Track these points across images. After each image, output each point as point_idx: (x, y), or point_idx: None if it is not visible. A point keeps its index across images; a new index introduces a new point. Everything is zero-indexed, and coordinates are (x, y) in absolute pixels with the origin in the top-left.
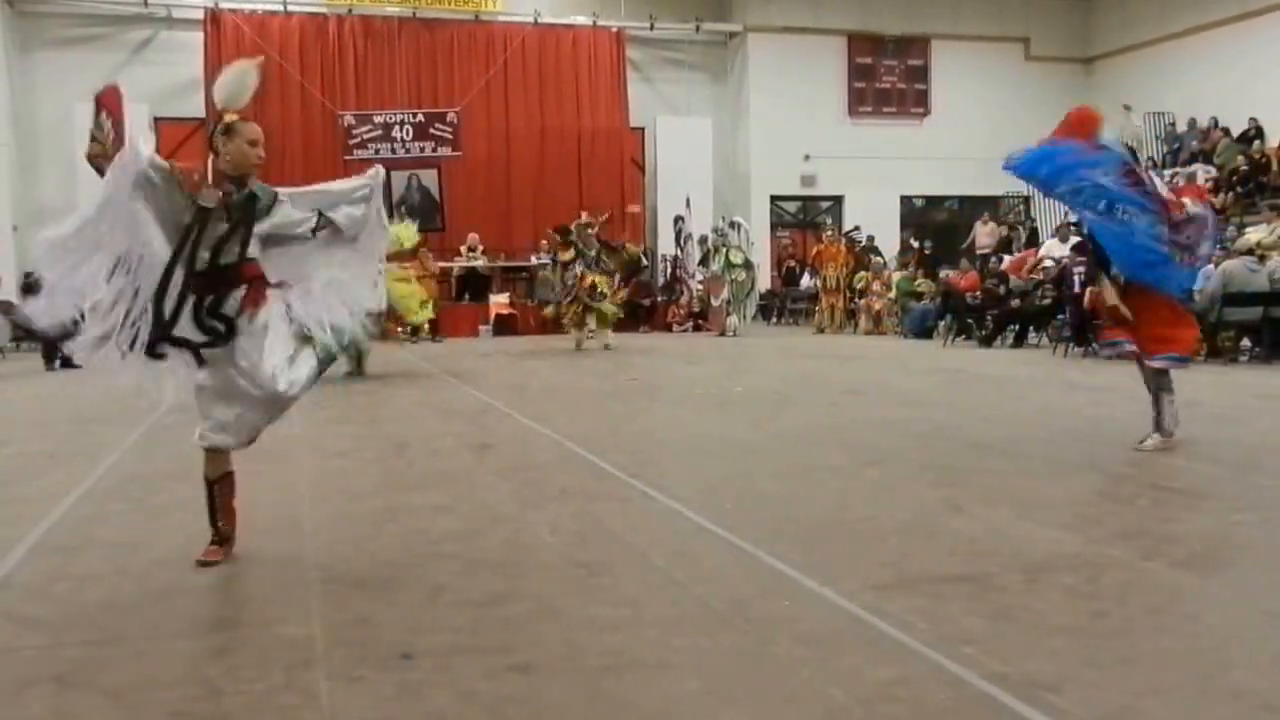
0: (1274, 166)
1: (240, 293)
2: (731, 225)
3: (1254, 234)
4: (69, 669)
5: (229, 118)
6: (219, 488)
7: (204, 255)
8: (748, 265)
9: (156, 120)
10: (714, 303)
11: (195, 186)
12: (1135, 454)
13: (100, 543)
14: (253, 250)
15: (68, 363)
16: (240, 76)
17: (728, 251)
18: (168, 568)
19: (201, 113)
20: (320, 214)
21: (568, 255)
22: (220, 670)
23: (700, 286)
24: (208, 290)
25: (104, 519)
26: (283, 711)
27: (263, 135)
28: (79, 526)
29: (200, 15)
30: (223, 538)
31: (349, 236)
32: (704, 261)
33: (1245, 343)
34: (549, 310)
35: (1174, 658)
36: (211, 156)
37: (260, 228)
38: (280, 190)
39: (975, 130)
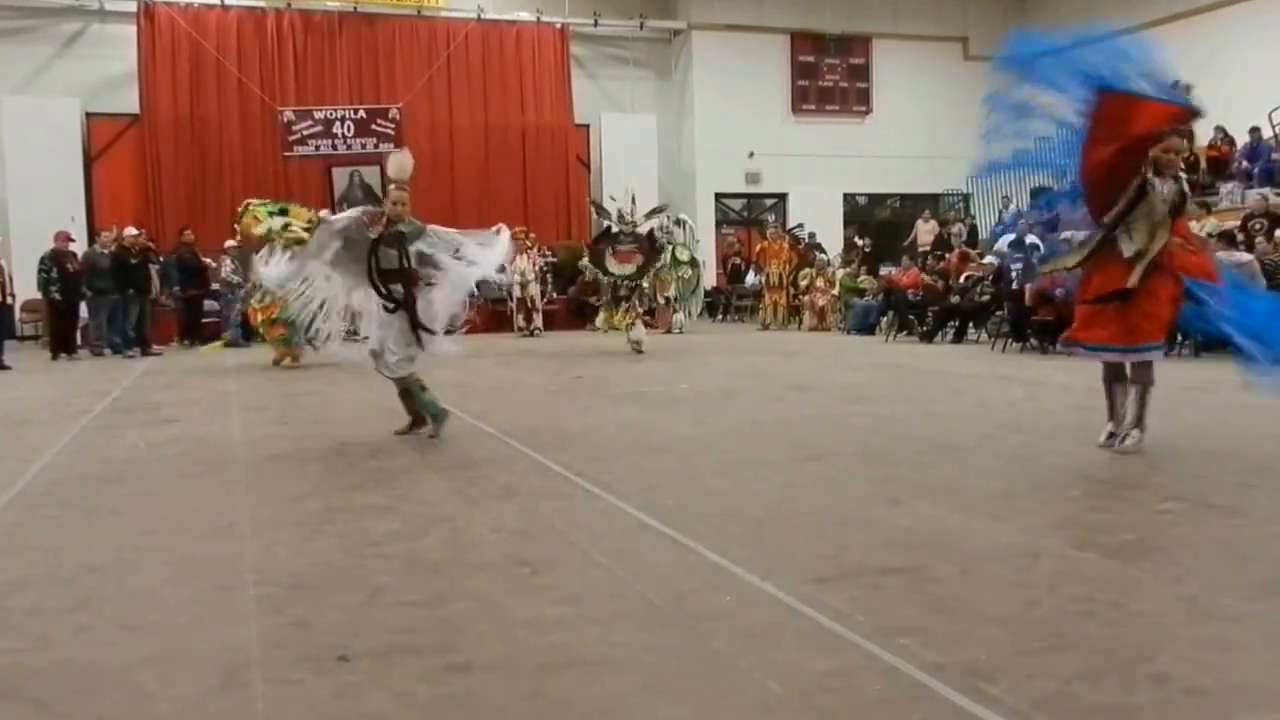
0: (1203, 165)
1: (398, 286)
2: (677, 223)
3: None
4: None
5: (390, 185)
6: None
7: (381, 261)
8: (693, 262)
9: (89, 116)
10: (660, 300)
11: (368, 225)
12: (1067, 447)
13: (28, 548)
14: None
15: None
16: (402, 160)
17: (673, 249)
18: (99, 573)
19: (135, 108)
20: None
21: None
22: (153, 675)
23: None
24: (385, 280)
25: (33, 523)
26: (217, 716)
27: (405, 194)
28: (7, 531)
29: (134, 8)
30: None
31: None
32: None
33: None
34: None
35: (1102, 644)
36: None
37: (412, 249)
38: (431, 226)
39: (916, 128)
